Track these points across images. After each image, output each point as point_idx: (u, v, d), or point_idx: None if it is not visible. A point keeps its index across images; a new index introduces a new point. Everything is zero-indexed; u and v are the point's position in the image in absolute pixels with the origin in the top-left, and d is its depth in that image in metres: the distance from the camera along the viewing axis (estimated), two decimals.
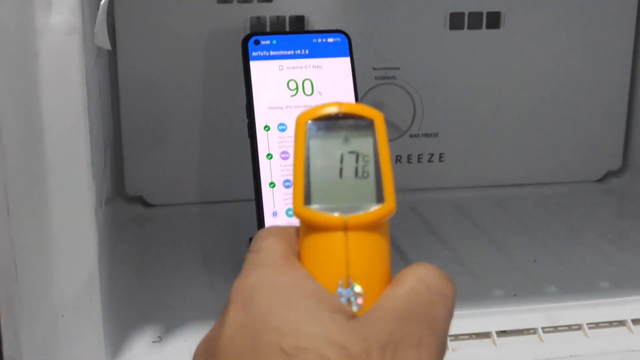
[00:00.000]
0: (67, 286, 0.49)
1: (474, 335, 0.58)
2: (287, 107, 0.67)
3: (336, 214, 0.35)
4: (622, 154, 0.89)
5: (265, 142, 0.66)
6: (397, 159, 0.84)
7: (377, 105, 0.82)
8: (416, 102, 0.83)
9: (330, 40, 0.69)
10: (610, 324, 0.60)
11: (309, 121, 0.36)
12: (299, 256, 0.36)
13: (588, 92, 0.86)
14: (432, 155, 0.85)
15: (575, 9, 0.83)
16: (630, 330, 0.59)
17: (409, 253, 0.72)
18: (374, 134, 0.36)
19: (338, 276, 0.34)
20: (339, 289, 0.34)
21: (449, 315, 0.35)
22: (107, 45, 0.47)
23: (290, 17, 0.79)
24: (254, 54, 0.68)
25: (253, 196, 0.65)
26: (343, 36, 0.69)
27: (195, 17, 0.77)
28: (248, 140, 0.66)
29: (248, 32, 0.75)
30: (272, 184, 0.66)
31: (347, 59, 0.68)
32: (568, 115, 0.86)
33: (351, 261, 0.35)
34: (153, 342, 0.58)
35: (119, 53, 0.78)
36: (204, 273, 0.69)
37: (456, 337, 0.58)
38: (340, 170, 0.36)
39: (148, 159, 0.81)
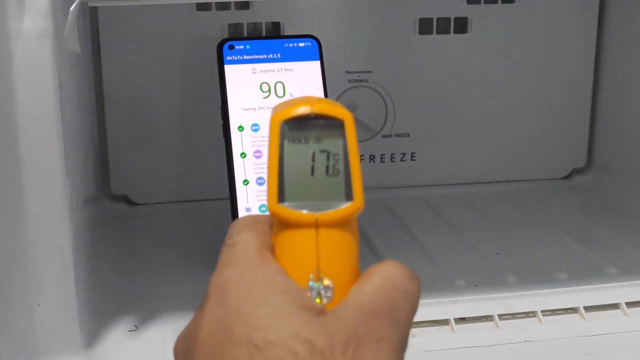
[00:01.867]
0: (42, 276, 0.50)
1: (433, 322, 0.59)
2: (260, 108, 0.68)
3: (307, 212, 0.35)
4: (587, 153, 0.90)
5: (239, 142, 0.67)
6: (371, 159, 0.84)
7: (350, 107, 0.82)
8: (388, 104, 0.83)
9: (301, 44, 0.70)
10: (565, 311, 0.60)
11: (282, 121, 0.35)
12: (272, 249, 0.36)
13: (553, 93, 0.87)
14: (404, 154, 0.85)
15: (539, 14, 0.84)
16: (583, 317, 0.60)
17: (380, 248, 0.72)
18: (344, 134, 0.35)
19: (309, 270, 0.35)
20: (310, 283, 0.34)
21: (412, 312, 0.35)
22: (77, 49, 0.47)
23: (267, 24, 0.79)
24: (228, 58, 0.69)
25: (227, 194, 0.66)
26: (313, 41, 0.70)
27: (176, 23, 0.78)
28: (223, 140, 0.67)
29: (225, 37, 0.75)
30: (245, 182, 0.66)
31: (318, 63, 0.69)
32: (534, 116, 0.87)
33: (321, 257, 0.35)
34: (129, 330, 0.58)
35: (102, 58, 0.78)
36: (182, 267, 0.69)
37: (417, 324, 0.58)
38: (312, 168, 0.36)
39: (132, 160, 0.81)
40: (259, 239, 0.36)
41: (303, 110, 0.35)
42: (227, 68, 0.68)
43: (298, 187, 0.35)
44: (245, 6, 0.78)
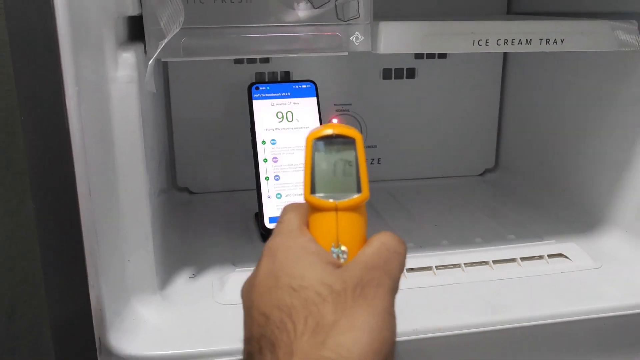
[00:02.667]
0: (131, 242, 0.50)
1: None
2: (276, 129, 0.68)
3: (330, 200, 0.35)
4: (495, 157, 0.90)
5: (262, 151, 0.67)
6: None
7: None
8: (362, 126, 0.83)
9: (304, 86, 0.70)
10: (480, 263, 0.60)
11: (314, 139, 0.36)
12: (307, 225, 0.36)
13: (472, 117, 0.87)
14: (372, 159, 0.85)
15: (462, 65, 0.84)
16: (492, 267, 0.60)
17: None
18: (355, 148, 0.36)
19: (332, 240, 0.35)
20: (332, 248, 0.35)
21: (401, 266, 0.35)
22: (153, 89, 0.47)
23: (281, 72, 0.79)
24: (255, 95, 0.69)
25: (255, 186, 0.67)
26: (312, 84, 0.70)
27: (221, 71, 0.78)
28: (252, 150, 0.68)
29: (253, 81, 0.75)
30: (267, 178, 0.67)
31: (314, 98, 0.69)
32: (459, 133, 0.87)
33: (340, 231, 0.35)
34: (189, 277, 0.58)
35: (171, 94, 0.78)
36: (223, 236, 0.69)
37: None
38: (334, 171, 0.36)
39: (191, 163, 0.81)
40: (298, 217, 0.36)
41: (328, 132, 0.36)
42: (255, 102, 0.68)
43: (324, 183, 0.36)
44: (266, 60, 0.78)
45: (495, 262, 0.60)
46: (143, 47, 0.50)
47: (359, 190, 0.36)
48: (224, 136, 0.80)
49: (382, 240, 0.35)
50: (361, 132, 0.83)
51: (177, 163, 0.81)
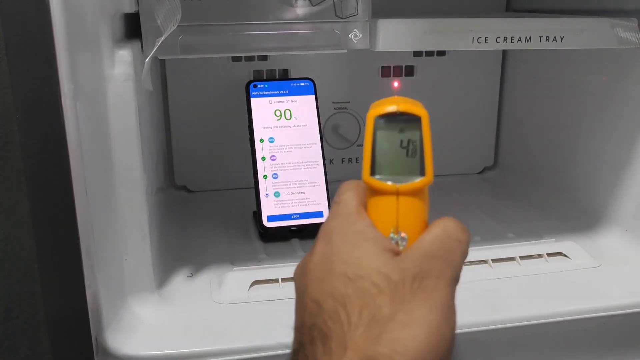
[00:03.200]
0: (128, 240, 0.49)
1: None
2: (274, 127, 0.68)
3: (391, 183, 0.33)
4: (494, 156, 0.89)
5: (260, 149, 0.67)
6: (349, 160, 0.84)
7: (335, 127, 0.83)
8: (361, 124, 0.83)
9: (302, 84, 0.70)
10: (479, 262, 0.60)
11: (376, 116, 0.33)
12: (366, 207, 0.34)
13: (472, 116, 0.86)
14: None
15: (461, 62, 0.84)
16: (491, 266, 0.59)
17: None
18: (420, 127, 0.33)
19: (391, 225, 0.33)
20: (391, 234, 0.33)
21: (463, 255, 0.33)
22: (150, 87, 0.47)
23: (279, 70, 0.79)
24: (253, 93, 0.69)
25: (253, 184, 0.66)
26: (310, 82, 0.70)
27: (219, 69, 0.78)
28: (250, 148, 0.67)
29: (251, 79, 0.75)
30: (265, 176, 0.66)
31: (313, 96, 0.69)
32: (458, 131, 0.86)
33: (400, 216, 0.33)
34: (187, 277, 0.58)
35: (169, 92, 0.78)
36: (222, 234, 0.68)
37: None
38: (396, 151, 0.33)
39: (189, 161, 0.81)
40: (357, 198, 0.34)
41: (391, 108, 0.33)
42: (253, 100, 0.68)
43: (385, 164, 0.33)
44: (264, 58, 0.78)
45: (494, 260, 0.60)
46: (139, 45, 0.50)
47: (422, 173, 0.33)
48: (222, 134, 0.79)
49: (444, 227, 0.33)
50: (360, 130, 0.83)
51: (174, 161, 0.80)
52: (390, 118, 0.33)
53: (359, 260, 0.31)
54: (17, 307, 0.60)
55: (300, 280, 0.34)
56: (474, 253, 0.60)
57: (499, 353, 0.53)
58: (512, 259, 0.60)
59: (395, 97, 0.34)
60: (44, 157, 0.41)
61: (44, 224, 0.42)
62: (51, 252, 0.43)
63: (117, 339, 0.47)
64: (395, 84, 0.81)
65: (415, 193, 0.33)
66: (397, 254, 0.32)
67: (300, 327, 0.32)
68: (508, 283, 0.57)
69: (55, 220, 0.42)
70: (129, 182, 0.48)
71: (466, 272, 0.57)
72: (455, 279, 0.32)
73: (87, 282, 0.44)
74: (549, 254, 0.61)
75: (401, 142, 0.33)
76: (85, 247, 0.44)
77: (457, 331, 0.50)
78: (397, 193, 0.33)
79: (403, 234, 0.33)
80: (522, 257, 0.60)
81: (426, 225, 0.34)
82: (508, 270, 0.59)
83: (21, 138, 0.40)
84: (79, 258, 0.43)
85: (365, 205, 0.34)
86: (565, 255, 0.61)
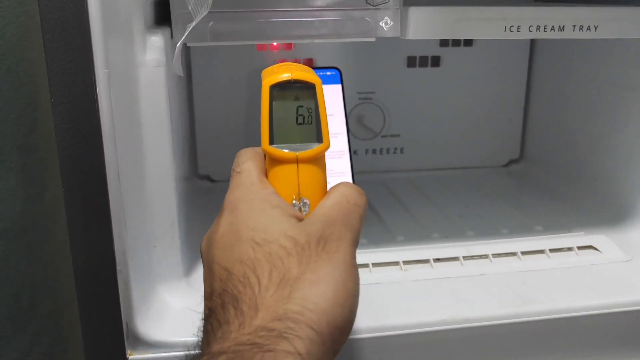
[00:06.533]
0: (157, 228, 0.50)
1: (419, 262, 0.58)
2: None
3: (290, 151, 0.34)
4: (520, 149, 0.89)
5: None
6: (373, 152, 0.84)
7: (360, 117, 0.82)
8: (385, 115, 0.83)
9: (328, 73, 0.69)
10: (507, 254, 0.60)
11: (271, 85, 0.34)
12: (266, 175, 0.35)
13: (498, 107, 0.86)
14: (395, 149, 0.85)
15: (489, 52, 0.83)
16: (520, 258, 0.59)
17: (382, 213, 0.72)
18: (315, 94, 0.34)
19: (293, 193, 0.34)
20: (294, 201, 0.34)
21: (361, 219, 0.35)
22: (181, 73, 0.47)
23: (305, 59, 0.79)
24: None
25: None
26: (336, 71, 0.69)
27: (243, 58, 0.78)
28: None
29: None
30: None
31: (339, 85, 0.69)
32: (484, 123, 0.86)
33: (301, 183, 0.34)
34: None
35: (193, 79, 0.78)
36: None
37: (406, 262, 0.58)
38: (293, 119, 0.34)
39: (213, 151, 0.81)
40: (258, 167, 0.36)
41: (285, 76, 0.34)
42: None
43: (283, 133, 0.34)
44: (289, 47, 0.78)
45: (523, 253, 0.59)
46: (169, 31, 0.50)
47: (319, 140, 0.34)
48: (246, 124, 0.79)
49: (343, 192, 0.34)
50: (384, 120, 0.83)
51: (198, 151, 0.80)
52: (285, 86, 0.34)
53: (266, 226, 0.32)
54: (41, 294, 0.60)
55: (207, 250, 0.35)
56: (501, 245, 0.61)
57: (527, 346, 0.53)
58: (541, 251, 0.60)
59: (288, 63, 0.35)
60: (78, 141, 0.41)
61: (76, 208, 0.43)
62: (83, 237, 0.43)
63: (147, 325, 0.47)
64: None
65: (314, 160, 0.34)
66: (300, 219, 0.33)
67: (210, 295, 0.33)
68: (538, 275, 0.56)
69: (88, 205, 0.43)
70: (159, 168, 0.48)
71: (495, 264, 0.58)
72: (355, 240, 0.34)
73: (118, 267, 0.44)
74: (579, 247, 0.60)
75: (297, 109, 0.34)
76: (118, 232, 0.44)
77: (488, 323, 0.50)
78: (297, 161, 0.34)
79: (305, 200, 0.34)
80: (551, 250, 0.60)
81: (325, 190, 0.35)
82: (537, 263, 0.58)
83: (55, 122, 0.41)
84: (111, 243, 0.44)
85: (265, 173, 0.35)
86: (595, 249, 0.61)
